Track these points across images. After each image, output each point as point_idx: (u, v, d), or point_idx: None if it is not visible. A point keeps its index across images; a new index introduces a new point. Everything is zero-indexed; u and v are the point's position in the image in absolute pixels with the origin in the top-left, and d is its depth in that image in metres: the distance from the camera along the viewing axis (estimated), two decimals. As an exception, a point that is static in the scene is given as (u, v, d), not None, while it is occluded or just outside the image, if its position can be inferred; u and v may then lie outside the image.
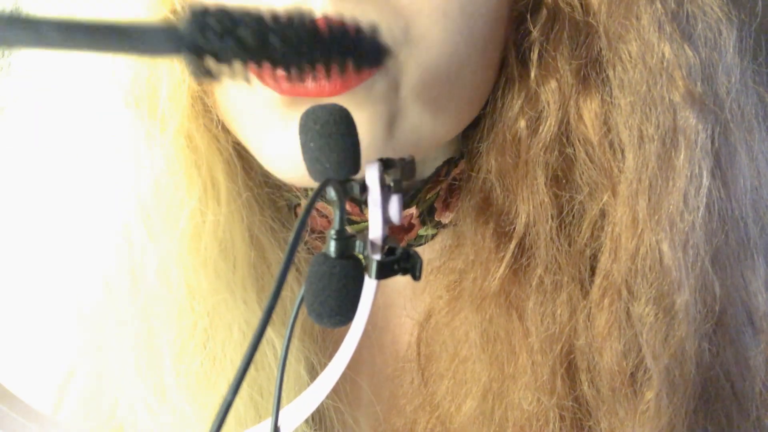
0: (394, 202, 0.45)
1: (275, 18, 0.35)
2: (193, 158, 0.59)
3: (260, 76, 0.53)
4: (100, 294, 0.60)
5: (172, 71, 0.57)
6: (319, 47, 0.36)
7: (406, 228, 0.65)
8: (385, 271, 0.44)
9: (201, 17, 0.33)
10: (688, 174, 0.59)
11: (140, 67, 0.58)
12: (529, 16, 0.59)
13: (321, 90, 0.51)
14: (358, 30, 0.38)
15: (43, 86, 0.60)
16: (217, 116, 0.59)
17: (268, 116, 0.55)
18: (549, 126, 0.60)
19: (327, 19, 0.38)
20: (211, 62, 0.33)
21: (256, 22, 0.34)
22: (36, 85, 0.60)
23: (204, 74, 0.34)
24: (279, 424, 0.46)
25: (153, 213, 0.58)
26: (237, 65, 0.34)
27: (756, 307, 0.66)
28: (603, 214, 0.61)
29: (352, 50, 0.38)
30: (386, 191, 0.45)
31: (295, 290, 0.64)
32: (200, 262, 0.60)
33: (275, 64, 0.36)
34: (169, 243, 0.59)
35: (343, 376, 0.47)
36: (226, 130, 0.60)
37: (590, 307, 0.61)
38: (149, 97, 0.58)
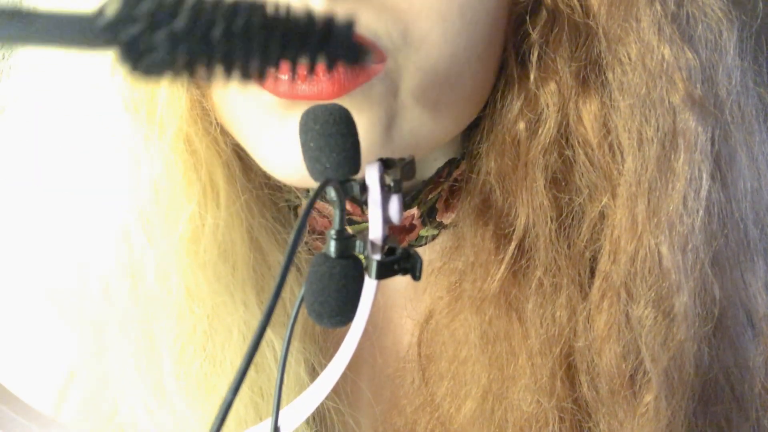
0: (394, 202, 0.45)
1: (217, 5, 0.29)
2: (192, 161, 0.59)
3: (258, 80, 0.53)
4: (100, 297, 0.60)
5: None
6: (275, 41, 0.30)
7: (407, 229, 0.65)
8: (385, 271, 0.44)
9: (127, 5, 0.28)
10: (688, 176, 0.59)
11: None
12: (528, 18, 0.59)
13: (319, 93, 0.51)
14: (327, 22, 0.32)
15: (42, 89, 0.60)
16: (216, 119, 0.59)
17: (266, 118, 0.55)
18: (548, 128, 0.60)
19: (284, 8, 0.32)
20: (146, 59, 0.28)
21: (193, 10, 0.29)
22: (35, 88, 0.61)
23: (139, 72, 0.28)
24: (279, 424, 0.46)
25: (152, 217, 0.58)
26: (178, 63, 0.28)
27: (756, 309, 0.66)
28: (602, 216, 0.61)
29: (319, 46, 0.32)
30: (386, 191, 0.45)
31: (295, 291, 0.64)
32: (200, 265, 0.60)
33: (223, 63, 0.30)
34: (168, 246, 0.59)
35: (344, 377, 0.47)
36: (225, 133, 0.60)
37: (590, 309, 0.61)
38: (148, 102, 0.58)
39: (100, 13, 0.28)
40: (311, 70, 0.34)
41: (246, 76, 0.31)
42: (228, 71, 0.30)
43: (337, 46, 0.33)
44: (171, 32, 0.28)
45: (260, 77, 0.32)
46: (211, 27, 0.29)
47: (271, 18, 0.31)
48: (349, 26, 0.34)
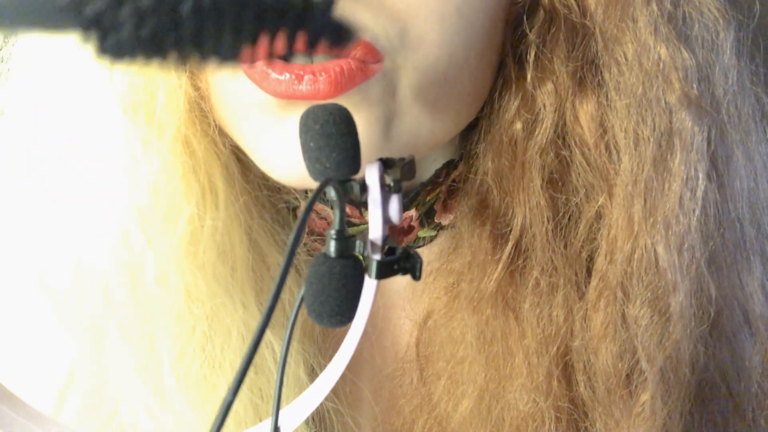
0: (394, 202, 0.45)
1: None
2: (191, 163, 0.59)
3: (255, 80, 0.53)
4: (100, 298, 0.60)
5: (169, 77, 0.58)
6: (248, 16, 0.28)
7: (405, 230, 0.65)
8: (385, 271, 0.44)
9: None
10: (684, 176, 0.59)
11: (137, 74, 0.58)
12: (525, 18, 0.60)
13: (316, 93, 0.51)
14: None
15: (41, 91, 0.60)
16: (214, 120, 0.59)
17: (263, 119, 0.55)
18: (545, 128, 0.60)
19: None
20: (112, 38, 0.26)
21: None
22: (35, 90, 0.61)
23: (107, 54, 0.27)
24: (279, 424, 0.46)
25: (151, 218, 0.58)
26: (146, 42, 0.27)
27: (752, 309, 0.66)
28: (599, 216, 0.61)
29: (297, 21, 0.30)
30: (386, 191, 0.45)
31: (294, 292, 0.64)
32: (199, 267, 0.60)
33: (195, 42, 0.28)
34: (167, 248, 0.59)
35: (343, 377, 0.47)
36: (223, 134, 0.60)
37: (586, 309, 0.61)
38: (146, 103, 0.58)
39: None
40: (289, 49, 0.32)
41: (221, 56, 0.29)
42: (201, 52, 0.29)
43: (317, 22, 0.31)
44: (137, 7, 0.27)
45: (235, 58, 0.30)
46: (179, 2, 0.27)
47: None
48: (329, 3, 0.32)
